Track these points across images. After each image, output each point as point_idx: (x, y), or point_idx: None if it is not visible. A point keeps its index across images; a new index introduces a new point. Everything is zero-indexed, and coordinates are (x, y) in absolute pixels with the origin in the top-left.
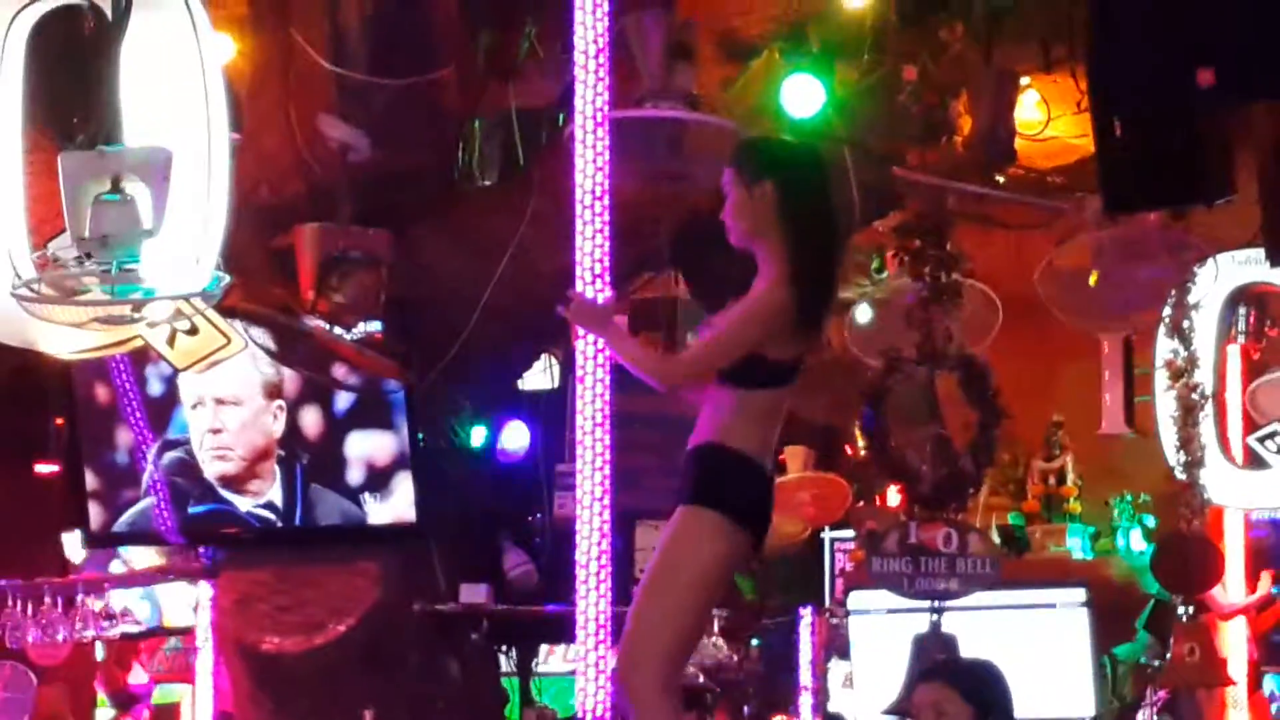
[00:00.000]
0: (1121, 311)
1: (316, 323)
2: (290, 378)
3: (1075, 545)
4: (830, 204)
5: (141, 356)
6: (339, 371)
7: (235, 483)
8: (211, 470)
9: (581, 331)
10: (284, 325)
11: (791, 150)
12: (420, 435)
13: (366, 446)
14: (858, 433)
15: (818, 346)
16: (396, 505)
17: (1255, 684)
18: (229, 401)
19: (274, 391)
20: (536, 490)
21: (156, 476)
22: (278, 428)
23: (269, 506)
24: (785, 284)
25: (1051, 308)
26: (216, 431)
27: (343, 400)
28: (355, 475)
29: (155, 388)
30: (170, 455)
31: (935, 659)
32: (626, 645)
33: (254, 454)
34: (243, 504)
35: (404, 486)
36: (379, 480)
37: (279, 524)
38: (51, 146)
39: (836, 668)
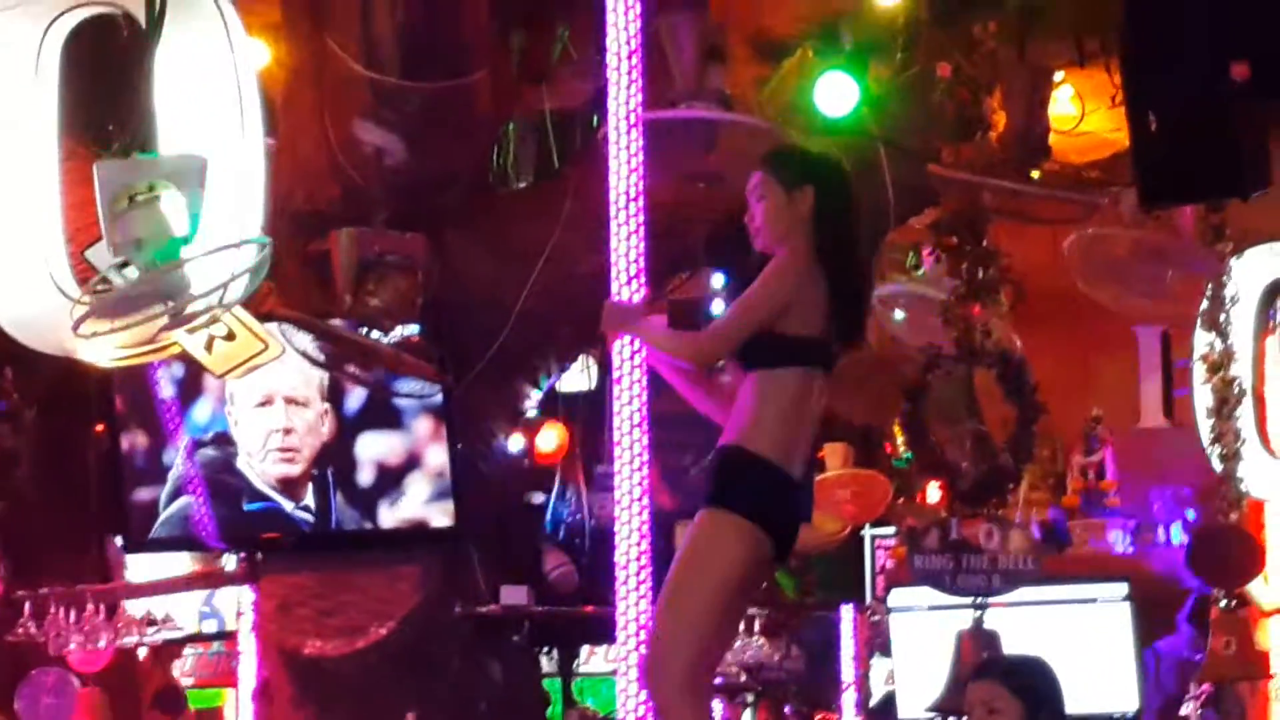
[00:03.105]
0: (1153, 298)
1: (353, 327)
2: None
3: (1116, 539)
4: (857, 221)
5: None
6: (377, 376)
7: (290, 485)
8: (274, 471)
9: (625, 339)
10: (321, 330)
11: (825, 160)
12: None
13: (401, 450)
14: (897, 430)
15: (852, 345)
16: (434, 509)
17: None
18: (299, 402)
19: (324, 394)
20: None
21: (193, 474)
22: (326, 431)
23: (306, 509)
24: (805, 258)
25: (1079, 282)
26: (288, 432)
27: (375, 404)
28: (394, 479)
29: (194, 389)
30: (206, 453)
31: (981, 656)
32: (649, 646)
33: (314, 456)
34: (287, 505)
35: (443, 490)
36: (416, 484)
37: (317, 526)
38: (87, 154)
39: (878, 665)
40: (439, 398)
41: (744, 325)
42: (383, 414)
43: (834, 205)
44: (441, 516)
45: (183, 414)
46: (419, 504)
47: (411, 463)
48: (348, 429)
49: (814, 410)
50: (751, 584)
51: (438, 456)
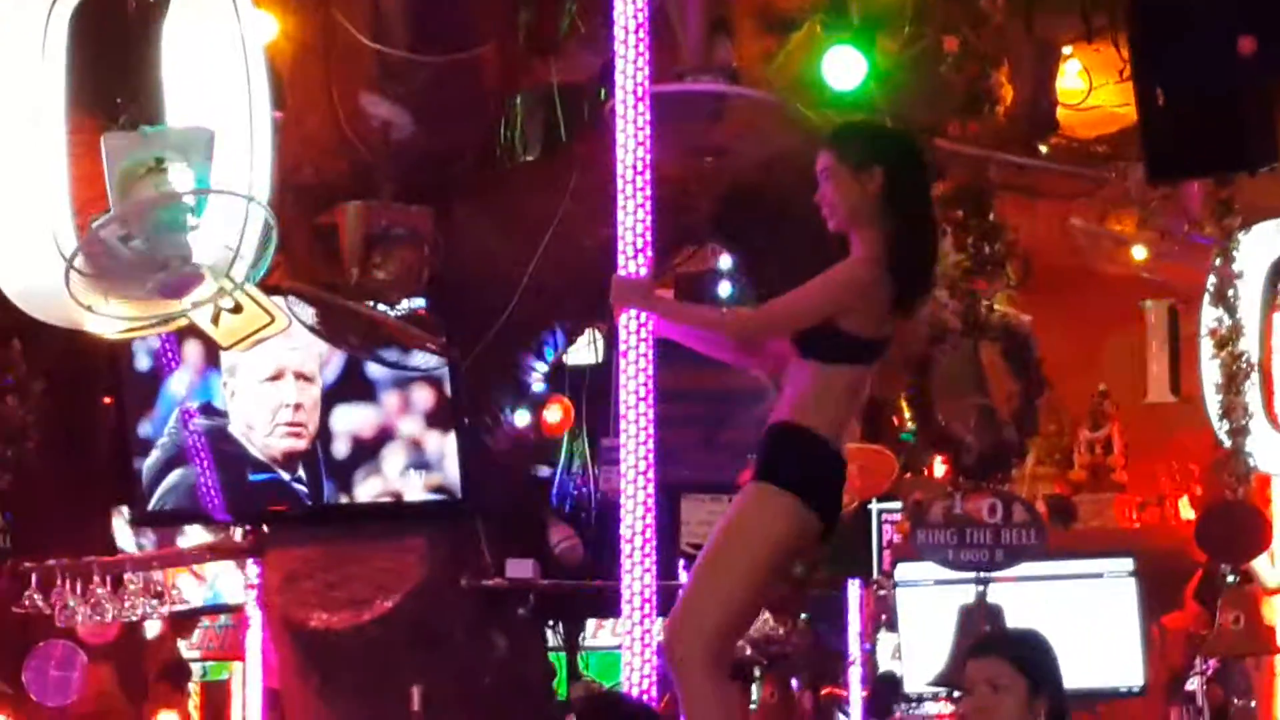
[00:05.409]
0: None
1: (359, 300)
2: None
3: (1122, 514)
4: (930, 194)
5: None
6: (383, 348)
7: (291, 459)
8: (280, 445)
9: (631, 313)
10: (328, 303)
11: (894, 138)
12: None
13: (408, 422)
14: (903, 404)
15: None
16: (441, 481)
17: None
18: (307, 377)
19: (325, 367)
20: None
21: (195, 445)
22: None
23: (299, 480)
24: (877, 264)
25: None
26: (298, 407)
27: (380, 377)
28: (400, 451)
29: (201, 361)
30: (202, 423)
31: (982, 630)
32: (677, 614)
33: (316, 432)
34: (285, 476)
35: (450, 462)
36: (421, 457)
37: (310, 498)
38: (95, 127)
39: (885, 639)
40: (445, 371)
41: (797, 317)
42: (386, 387)
43: (905, 184)
44: (447, 490)
45: (171, 383)
46: (425, 477)
47: (418, 435)
48: (347, 402)
49: (862, 399)
50: (790, 562)
51: (444, 429)
